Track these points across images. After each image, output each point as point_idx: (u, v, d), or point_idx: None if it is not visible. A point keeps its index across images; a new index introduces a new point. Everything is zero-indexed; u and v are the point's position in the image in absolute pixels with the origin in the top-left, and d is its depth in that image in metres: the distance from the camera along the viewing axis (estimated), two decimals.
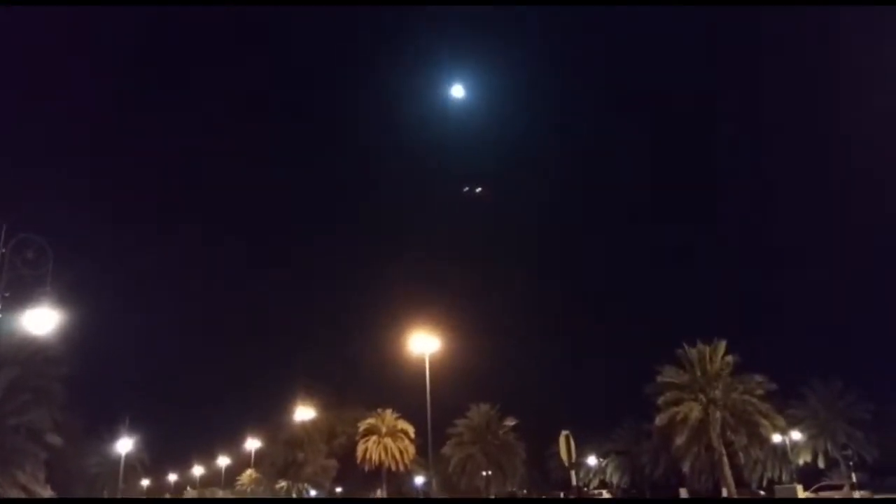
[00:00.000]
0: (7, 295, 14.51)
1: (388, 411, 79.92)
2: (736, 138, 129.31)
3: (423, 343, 62.82)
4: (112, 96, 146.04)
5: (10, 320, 14.83)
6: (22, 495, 37.93)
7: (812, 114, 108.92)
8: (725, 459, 40.10)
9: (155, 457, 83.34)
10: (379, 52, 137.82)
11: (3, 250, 14.28)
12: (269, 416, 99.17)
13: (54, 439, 39.21)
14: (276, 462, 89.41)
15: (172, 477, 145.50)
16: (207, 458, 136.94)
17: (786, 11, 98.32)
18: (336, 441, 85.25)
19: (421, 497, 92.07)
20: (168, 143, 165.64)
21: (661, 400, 40.73)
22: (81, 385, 52.29)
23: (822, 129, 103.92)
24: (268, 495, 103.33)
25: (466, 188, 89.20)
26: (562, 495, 76.43)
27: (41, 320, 13.52)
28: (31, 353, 37.22)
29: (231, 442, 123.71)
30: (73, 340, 38.87)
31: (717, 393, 40.12)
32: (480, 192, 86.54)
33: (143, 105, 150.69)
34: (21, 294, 14.45)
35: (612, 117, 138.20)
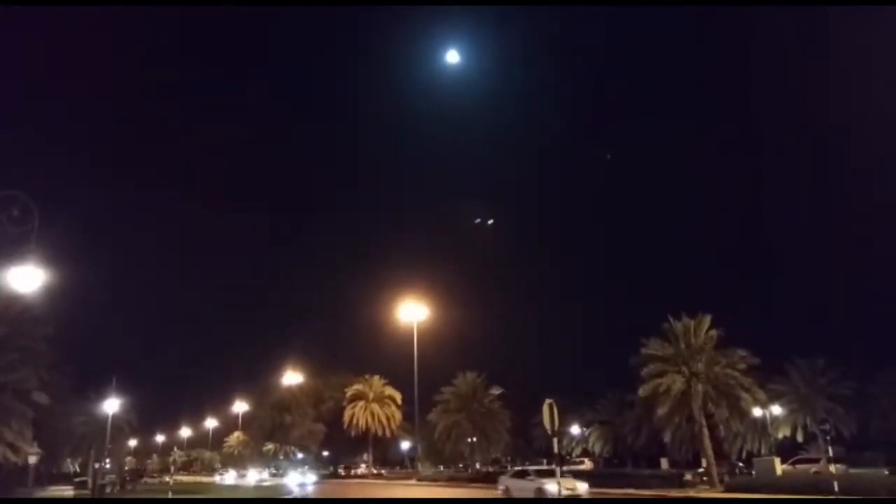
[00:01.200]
0: None
1: (376, 377, 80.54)
2: (732, 129, 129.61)
3: (412, 311, 63.30)
4: (104, 67, 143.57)
5: None
6: (8, 452, 38.14)
7: (806, 107, 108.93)
8: (706, 431, 40.72)
9: (143, 417, 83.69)
10: (378, 29, 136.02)
11: None
12: (257, 380, 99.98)
13: (41, 398, 39.33)
14: (263, 425, 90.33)
15: (160, 438, 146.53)
16: (195, 419, 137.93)
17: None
18: (323, 406, 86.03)
19: (409, 462, 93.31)
20: (163, 110, 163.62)
21: (644, 371, 41.18)
22: (68, 345, 52.36)
23: (817, 120, 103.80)
24: (255, 457, 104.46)
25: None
26: (544, 463, 77.59)
27: (27, 279, 13.36)
28: (16, 313, 37.12)
29: (219, 404, 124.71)
30: (60, 300, 38.80)
31: (700, 366, 40.59)
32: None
33: (137, 74, 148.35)
34: (6, 252, 14.25)
35: (612, 110, 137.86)
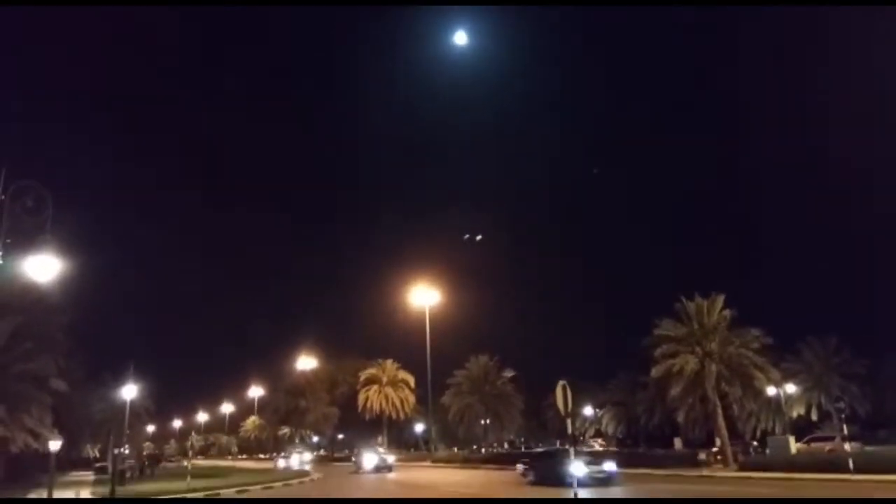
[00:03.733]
0: (8, 241, 14.47)
1: (389, 361, 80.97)
2: (739, 113, 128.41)
3: (424, 295, 63.42)
4: (114, 60, 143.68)
5: (12, 267, 14.82)
6: (30, 439, 38.69)
7: (808, 88, 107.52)
8: (720, 411, 40.67)
9: (160, 403, 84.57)
10: (389, 38, 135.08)
11: (3, 197, 14.21)
12: (272, 365, 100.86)
13: (59, 385, 39.76)
14: (278, 409, 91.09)
15: (177, 423, 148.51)
16: (212, 404, 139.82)
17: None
18: (338, 390, 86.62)
19: (423, 443, 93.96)
20: (173, 97, 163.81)
21: (657, 352, 41.07)
22: (84, 333, 53.00)
23: (820, 104, 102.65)
24: (271, 441, 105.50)
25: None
26: (558, 443, 78.00)
27: (42, 268, 13.50)
28: (33, 301, 37.44)
29: (235, 389, 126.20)
30: (75, 288, 39.13)
31: (714, 346, 40.46)
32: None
33: (149, 64, 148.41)
34: (22, 241, 14.41)
35: (617, 99, 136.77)
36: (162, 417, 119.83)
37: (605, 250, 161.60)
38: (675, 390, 40.99)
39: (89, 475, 54.70)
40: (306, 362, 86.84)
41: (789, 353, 61.28)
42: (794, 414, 63.26)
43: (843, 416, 32.28)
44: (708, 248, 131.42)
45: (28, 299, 36.18)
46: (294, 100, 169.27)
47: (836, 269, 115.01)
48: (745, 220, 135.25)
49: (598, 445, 75.67)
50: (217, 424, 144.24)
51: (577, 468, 22.57)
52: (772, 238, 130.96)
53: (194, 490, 30.23)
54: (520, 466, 34.05)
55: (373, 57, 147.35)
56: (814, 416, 62.22)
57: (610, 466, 27.91)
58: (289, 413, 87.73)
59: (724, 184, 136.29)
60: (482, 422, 70.78)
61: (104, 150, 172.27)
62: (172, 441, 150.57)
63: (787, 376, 57.78)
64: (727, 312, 41.16)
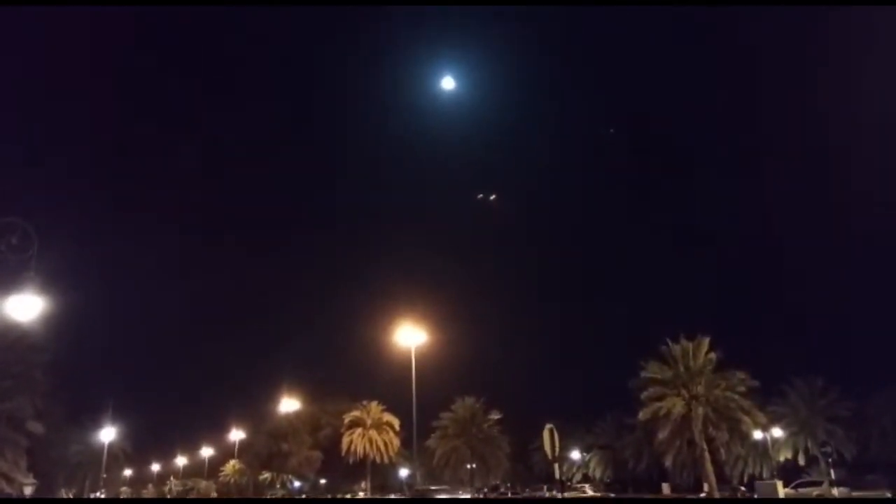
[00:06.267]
0: None
1: (374, 403, 79.84)
2: (729, 142, 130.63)
3: (410, 336, 62.88)
4: (93, 86, 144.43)
5: None
6: (3, 483, 37.66)
7: (807, 120, 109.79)
8: (707, 455, 40.51)
9: (138, 446, 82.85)
10: (376, 46, 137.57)
11: None
12: (254, 407, 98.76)
13: (36, 427, 38.94)
14: (260, 453, 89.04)
15: (155, 467, 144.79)
16: (191, 448, 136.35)
17: (786, 13, 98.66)
18: (321, 433, 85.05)
19: (405, 489, 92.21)
20: (157, 131, 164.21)
21: (644, 395, 41.09)
22: (64, 373, 51.95)
23: (818, 137, 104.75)
24: (251, 486, 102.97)
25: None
26: (545, 489, 76.87)
27: (25, 307, 13.32)
28: (13, 340, 36.88)
29: (215, 433, 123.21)
30: (57, 328, 38.62)
31: (700, 389, 40.51)
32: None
33: (130, 94, 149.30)
34: (4, 279, 14.23)
35: (607, 118, 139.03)
36: (139, 461, 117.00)
37: (594, 293, 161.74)
38: (662, 434, 40.84)
39: None
40: (289, 404, 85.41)
41: (775, 396, 61.23)
42: (781, 458, 62.84)
43: (829, 460, 32.23)
44: (693, 291, 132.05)
45: (8, 338, 35.65)
46: (284, 135, 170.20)
47: (821, 307, 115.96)
48: (732, 265, 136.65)
49: (590, 490, 74.60)
50: (196, 469, 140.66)
51: None
52: (759, 281, 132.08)
53: None
54: None
55: (361, 91, 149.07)
56: (801, 461, 61.79)
57: None
58: (270, 457, 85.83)
59: (712, 231, 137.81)
60: (468, 466, 69.75)
61: (89, 188, 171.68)
62: (150, 486, 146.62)
63: (774, 419, 57.62)
64: (713, 355, 41.33)
